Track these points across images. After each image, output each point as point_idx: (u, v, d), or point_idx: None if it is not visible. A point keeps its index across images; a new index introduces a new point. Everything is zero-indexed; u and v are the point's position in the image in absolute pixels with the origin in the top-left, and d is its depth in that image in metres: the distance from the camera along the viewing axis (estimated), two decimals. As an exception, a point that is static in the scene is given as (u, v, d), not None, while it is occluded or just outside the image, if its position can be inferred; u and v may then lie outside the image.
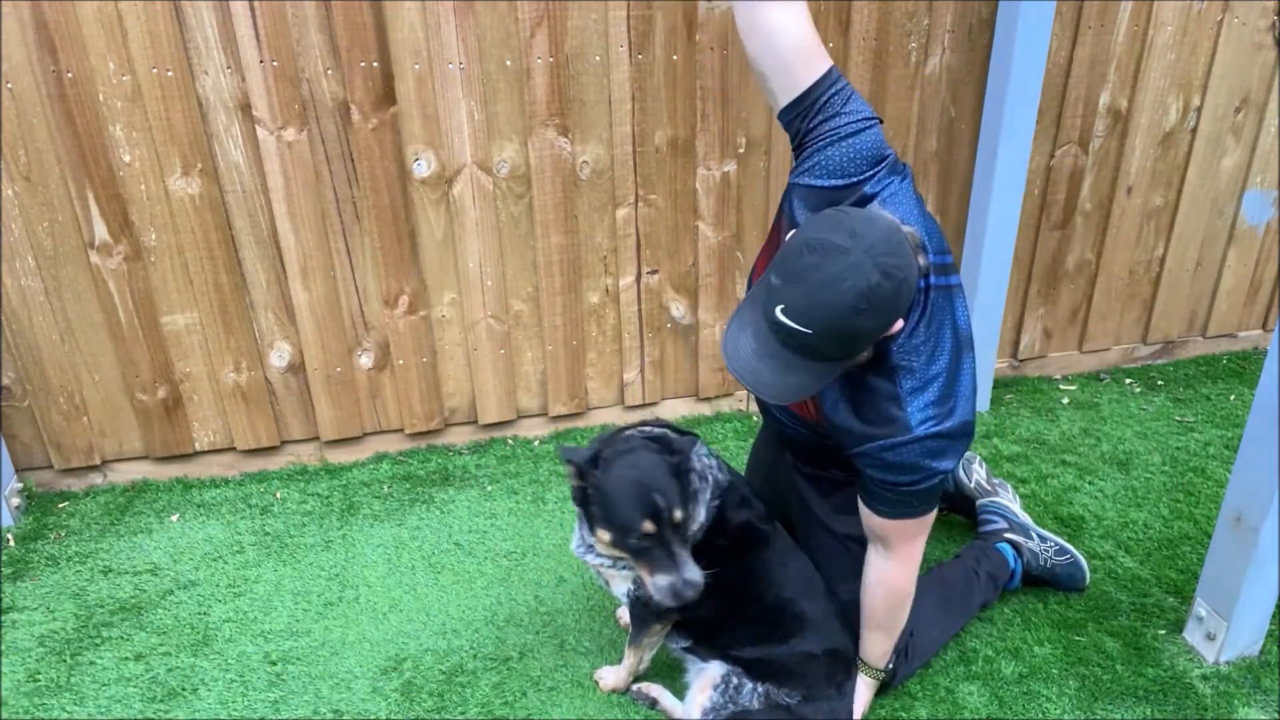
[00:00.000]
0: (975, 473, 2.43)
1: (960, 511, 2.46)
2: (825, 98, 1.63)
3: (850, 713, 1.91)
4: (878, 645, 1.93)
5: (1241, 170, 3.09)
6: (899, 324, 1.56)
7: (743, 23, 1.67)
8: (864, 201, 1.62)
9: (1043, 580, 2.27)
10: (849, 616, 1.96)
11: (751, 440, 2.89)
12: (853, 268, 1.43)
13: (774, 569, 1.91)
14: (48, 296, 2.47)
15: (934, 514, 1.78)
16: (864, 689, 1.95)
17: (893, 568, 1.83)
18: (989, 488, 2.41)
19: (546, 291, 2.75)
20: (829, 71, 1.63)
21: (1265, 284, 3.32)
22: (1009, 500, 2.39)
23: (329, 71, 2.39)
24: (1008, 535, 2.26)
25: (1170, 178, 3.05)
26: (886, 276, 1.44)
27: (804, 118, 1.65)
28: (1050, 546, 2.25)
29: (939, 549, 2.41)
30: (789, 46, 1.62)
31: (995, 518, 2.32)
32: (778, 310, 1.48)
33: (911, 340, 1.61)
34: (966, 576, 2.16)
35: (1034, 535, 2.26)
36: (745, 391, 3.06)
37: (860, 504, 1.79)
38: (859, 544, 1.90)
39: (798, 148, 1.70)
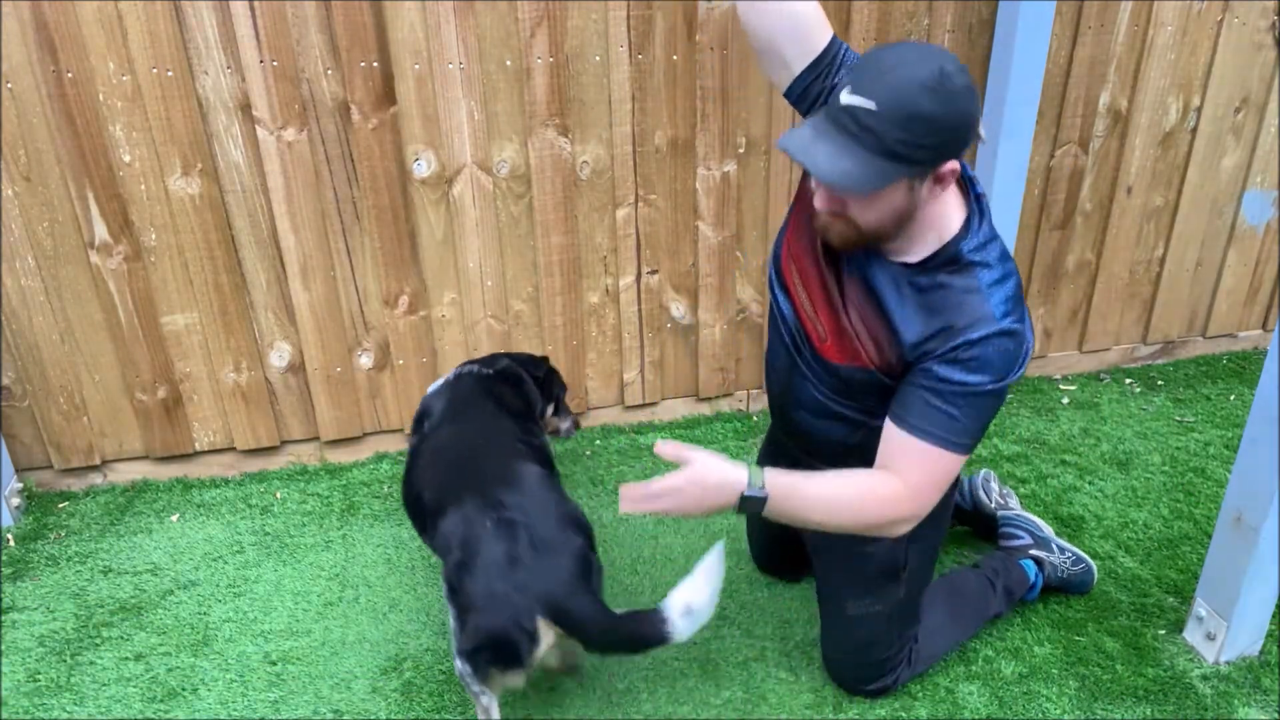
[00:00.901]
0: (992, 490, 2.41)
1: (967, 523, 2.44)
2: (841, 53, 1.72)
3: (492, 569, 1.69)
4: (797, 499, 1.60)
5: (1241, 170, 3.09)
6: (960, 213, 1.62)
7: (748, 7, 1.75)
8: None
9: (1054, 588, 2.26)
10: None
11: (751, 440, 2.90)
12: (925, 56, 1.47)
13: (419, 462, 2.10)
14: (48, 296, 2.47)
15: (959, 465, 1.65)
16: (726, 489, 1.56)
17: (898, 489, 1.62)
18: (1002, 499, 2.40)
19: (546, 291, 2.75)
20: (834, 34, 1.74)
21: (1265, 284, 3.32)
22: (1019, 508, 2.37)
23: (329, 71, 2.39)
24: (1033, 552, 2.23)
25: (1170, 178, 3.05)
26: (959, 70, 1.47)
27: (825, 75, 1.72)
28: (1069, 558, 2.23)
29: (953, 559, 2.40)
30: (804, 15, 1.71)
31: (1020, 533, 2.28)
32: (844, 93, 1.49)
33: (979, 238, 1.64)
34: (981, 587, 2.13)
35: (1054, 548, 2.24)
36: (745, 391, 3.06)
37: (890, 429, 1.65)
38: (868, 548, 1.88)
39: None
